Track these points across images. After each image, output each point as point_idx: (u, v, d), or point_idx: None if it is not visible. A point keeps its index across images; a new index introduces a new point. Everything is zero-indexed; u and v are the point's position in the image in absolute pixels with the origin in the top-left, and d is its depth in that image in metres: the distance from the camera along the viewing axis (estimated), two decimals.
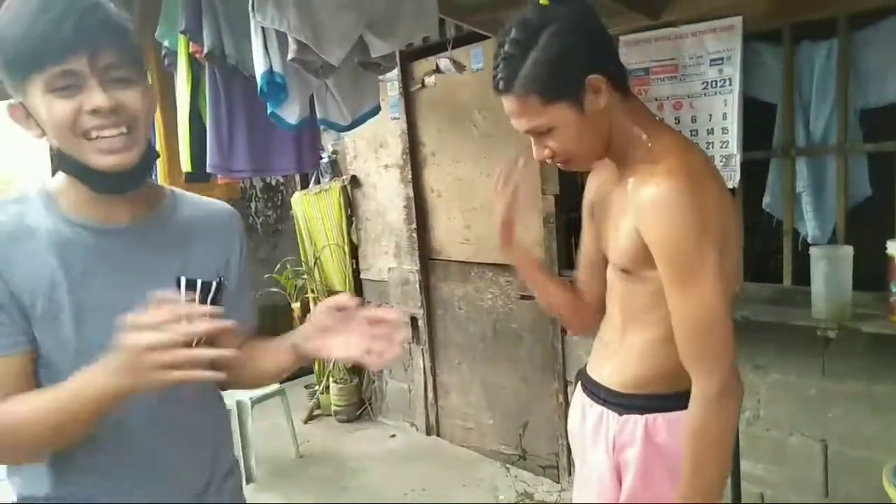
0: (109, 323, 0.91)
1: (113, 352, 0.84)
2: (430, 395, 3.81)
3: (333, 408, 4.19)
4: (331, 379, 4.21)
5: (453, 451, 3.64)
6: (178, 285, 1.02)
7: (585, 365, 1.46)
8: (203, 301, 1.05)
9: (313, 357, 1.08)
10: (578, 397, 1.46)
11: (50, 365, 0.96)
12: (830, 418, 2.20)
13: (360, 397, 4.24)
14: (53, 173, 1.01)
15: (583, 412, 1.42)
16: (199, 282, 1.05)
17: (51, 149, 0.97)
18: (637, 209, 1.16)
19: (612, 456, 1.33)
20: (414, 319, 3.78)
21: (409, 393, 3.95)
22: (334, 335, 1.04)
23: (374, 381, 4.20)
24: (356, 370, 4.24)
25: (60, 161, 0.95)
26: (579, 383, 1.47)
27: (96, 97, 0.89)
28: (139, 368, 0.82)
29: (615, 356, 1.34)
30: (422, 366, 3.81)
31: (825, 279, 2.00)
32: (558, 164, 1.25)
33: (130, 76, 0.93)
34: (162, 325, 0.81)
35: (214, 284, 1.08)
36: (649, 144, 1.20)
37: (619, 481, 1.34)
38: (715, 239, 1.11)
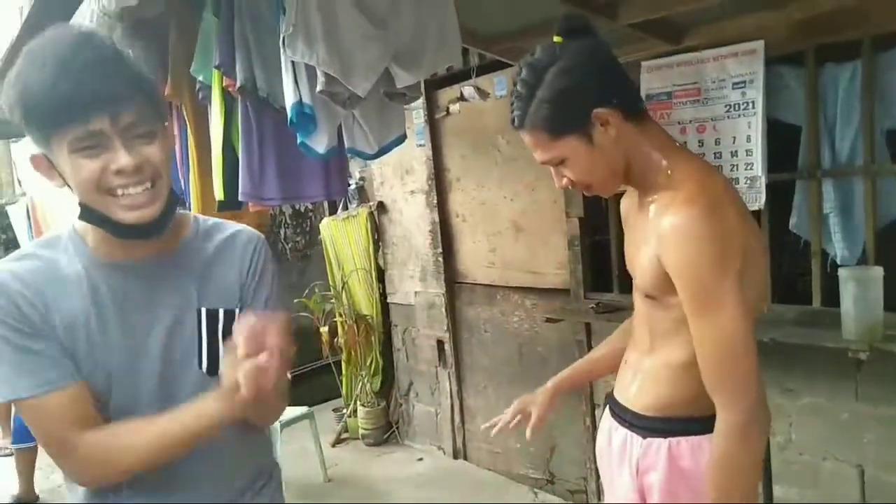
0: (138, 350, 1.01)
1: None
2: (457, 418, 3.81)
3: (361, 431, 4.21)
4: (358, 402, 4.23)
5: (480, 475, 3.63)
6: (199, 316, 1.06)
7: (613, 388, 1.47)
8: (225, 328, 1.06)
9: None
10: (606, 420, 1.47)
11: (96, 393, 1.00)
12: (866, 443, 2.15)
13: (388, 420, 4.26)
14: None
15: (609, 435, 1.43)
16: (220, 312, 1.07)
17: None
18: (658, 237, 1.17)
19: (636, 479, 1.33)
20: (440, 343, 3.80)
21: (435, 416, 3.95)
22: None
23: (401, 405, 4.22)
24: (383, 394, 4.27)
25: (85, 212, 0.98)
26: (608, 406, 1.48)
27: (121, 158, 0.90)
28: (240, 399, 0.90)
29: (640, 379, 1.35)
30: (448, 389, 3.82)
31: (855, 300, 1.97)
32: (582, 192, 1.30)
33: (153, 129, 0.95)
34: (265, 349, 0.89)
35: (237, 311, 1.09)
36: (669, 171, 1.22)
37: None
38: (735, 266, 1.11)
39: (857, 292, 1.97)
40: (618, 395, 1.42)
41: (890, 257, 2.09)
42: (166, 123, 1.02)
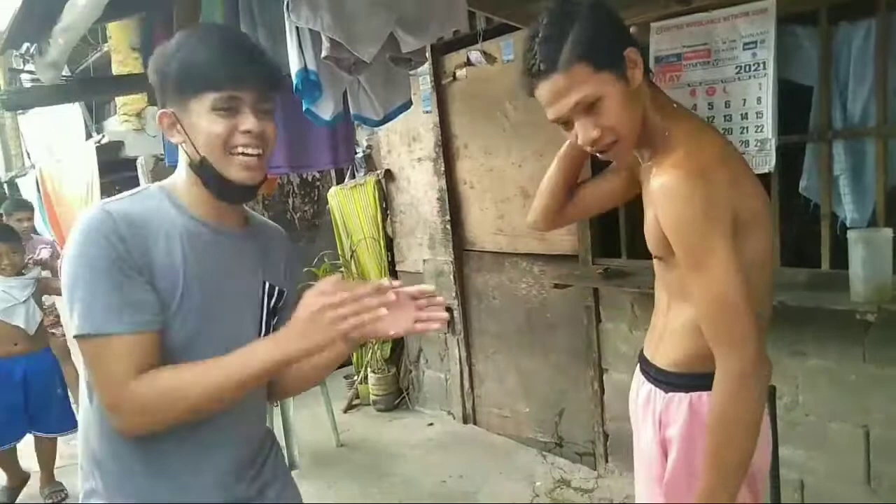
0: (222, 311, 1.11)
1: (292, 323, 1.00)
2: (467, 384, 3.86)
3: (372, 397, 4.27)
4: (369, 369, 4.29)
5: (490, 440, 3.69)
6: (263, 288, 1.19)
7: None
8: (276, 304, 1.21)
9: (361, 342, 1.20)
10: (636, 376, 1.52)
11: (172, 347, 1.06)
12: (872, 404, 2.17)
13: (398, 387, 4.32)
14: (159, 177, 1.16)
15: (637, 390, 1.49)
16: (276, 288, 1.21)
17: (188, 158, 1.10)
18: (654, 199, 1.21)
19: (658, 432, 1.38)
20: (449, 310, 3.83)
21: (445, 382, 4.01)
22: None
23: (411, 371, 4.27)
24: (394, 360, 4.32)
25: (202, 169, 1.09)
26: (638, 363, 1.53)
27: (249, 121, 1.06)
28: (329, 322, 0.97)
29: (662, 337, 1.39)
30: (458, 355, 3.86)
31: (864, 262, 1.97)
32: (599, 152, 1.25)
33: (271, 109, 1.11)
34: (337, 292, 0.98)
35: (284, 293, 1.23)
36: (666, 133, 1.24)
37: (666, 457, 1.38)
38: (722, 225, 1.14)
39: (866, 254, 1.96)
40: (645, 351, 1.47)
41: None
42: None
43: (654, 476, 1.41)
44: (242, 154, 1.07)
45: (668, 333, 1.36)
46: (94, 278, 0.99)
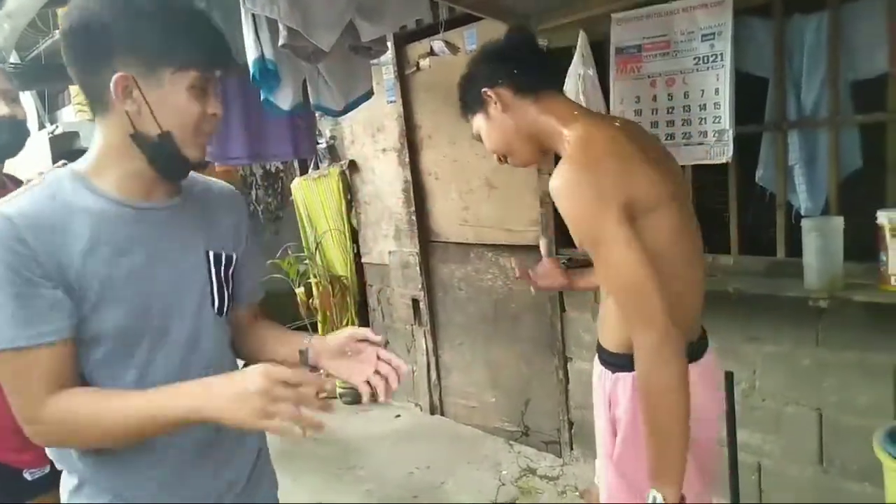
0: (162, 293, 1.05)
1: (231, 384, 0.93)
2: (434, 375, 3.86)
3: (339, 390, 4.25)
4: None
5: (457, 430, 3.70)
6: (207, 259, 1.13)
7: None
8: (225, 274, 1.16)
9: (317, 369, 1.19)
10: (595, 359, 1.58)
11: (97, 340, 1.00)
12: (825, 387, 2.23)
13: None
14: (96, 154, 1.06)
15: (594, 372, 1.57)
16: (223, 255, 1.15)
17: (133, 130, 1.02)
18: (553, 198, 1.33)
19: (608, 411, 1.45)
20: (415, 301, 3.82)
21: (412, 373, 4.00)
22: (346, 358, 1.17)
23: None
24: None
25: (158, 144, 1.02)
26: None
27: (216, 105, 1.05)
28: (260, 410, 0.90)
29: (605, 320, 1.48)
30: (424, 347, 3.86)
31: (816, 250, 2.02)
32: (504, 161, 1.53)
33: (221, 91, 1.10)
34: (297, 384, 0.92)
35: (235, 258, 1.19)
36: (567, 139, 1.35)
37: (615, 435, 1.44)
38: (613, 212, 1.22)
39: (819, 242, 2.01)
40: (598, 336, 1.54)
41: (851, 208, 2.14)
42: None
43: (606, 453, 1.48)
44: (205, 135, 1.06)
45: (610, 316, 1.45)
46: (12, 289, 0.92)
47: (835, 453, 2.24)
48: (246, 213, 1.28)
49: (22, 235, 0.93)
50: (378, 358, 1.15)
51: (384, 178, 3.85)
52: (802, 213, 2.27)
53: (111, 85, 0.97)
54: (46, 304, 0.94)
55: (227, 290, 1.16)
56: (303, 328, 4.32)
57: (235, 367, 1.20)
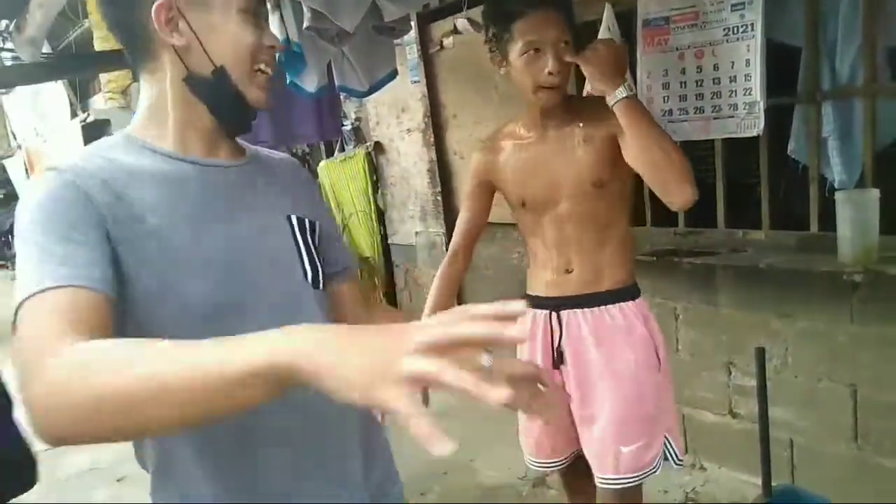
0: (231, 263, 0.87)
1: (351, 331, 0.58)
2: None
3: None
4: None
5: (487, 408, 3.69)
6: (290, 223, 0.97)
7: None
8: (312, 238, 0.99)
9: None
10: (572, 316, 1.72)
11: (170, 317, 0.83)
12: (859, 363, 2.20)
13: None
14: (173, 103, 0.90)
15: (581, 324, 1.73)
16: (306, 221, 0.99)
17: (185, 70, 0.88)
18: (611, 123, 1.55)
19: (647, 334, 1.68)
20: None
21: None
22: None
23: None
24: None
25: (214, 83, 0.88)
26: None
27: (272, 36, 0.93)
28: (383, 373, 0.53)
29: (599, 263, 1.68)
30: None
31: (851, 223, 1.98)
32: (554, 86, 1.51)
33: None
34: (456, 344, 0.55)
35: (318, 225, 1.02)
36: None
37: (657, 351, 1.69)
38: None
39: (853, 215, 1.97)
40: (576, 290, 1.69)
41: (888, 180, 2.08)
42: None
43: (643, 373, 1.61)
44: (263, 72, 0.91)
45: (608, 256, 1.61)
46: (43, 242, 0.75)
47: (869, 430, 2.21)
48: (316, 183, 1.14)
49: (81, 187, 0.80)
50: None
51: (409, 159, 3.86)
52: (836, 185, 2.22)
53: (152, 15, 0.84)
54: (100, 256, 0.77)
55: (319, 258, 0.99)
56: None
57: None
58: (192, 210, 0.87)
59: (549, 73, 1.47)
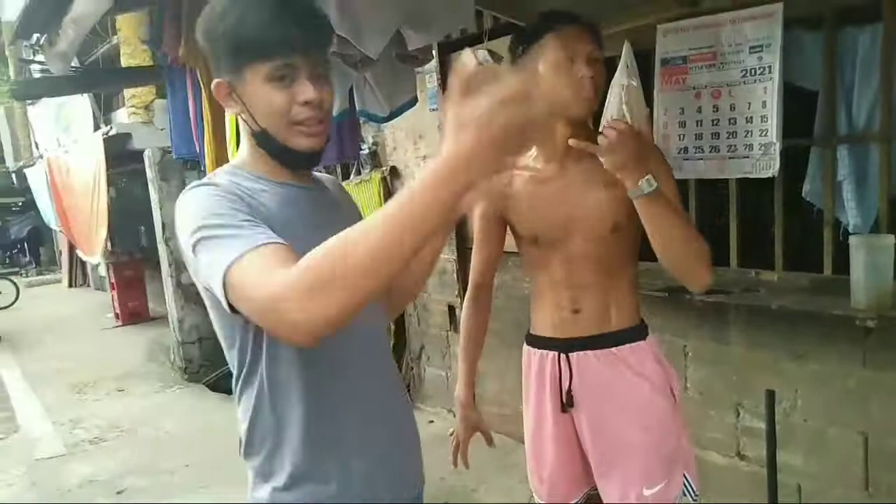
0: None
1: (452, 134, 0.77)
2: None
3: None
4: None
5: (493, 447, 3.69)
6: None
7: None
8: None
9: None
10: (581, 359, 1.66)
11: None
12: (871, 410, 2.17)
13: None
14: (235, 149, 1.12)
15: (595, 366, 1.66)
16: None
17: (249, 129, 1.07)
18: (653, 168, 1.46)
19: (661, 375, 1.64)
20: (451, 308, 3.84)
21: (446, 380, 4.02)
22: None
23: (412, 368, 4.28)
24: (395, 357, 4.33)
25: (262, 140, 1.06)
26: None
27: (308, 91, 1.01)
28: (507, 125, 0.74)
29: (607, 305, 1.62)
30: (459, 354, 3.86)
31: (865, 268, 1.97)
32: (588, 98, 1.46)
33: (328, 74, 1.07)
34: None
35: None
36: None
37: (674, 392, 1.64)
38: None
39: (868, 260, 1.96)
40: (584, 332, 1.62)
41: None
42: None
43: (657, 416, 1.56)
44: (304, 124, 1.03)
45: (617, 296, 1.56)
46: (221, 222, 0.93)
47: (881, 479, 2.17)
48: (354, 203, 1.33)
49: (234, 192, 0.99)
50: None
51: None
52: (850, 229, 2.22)
53: (212, 90, 1.05)
54: (264, 227, 0.95)
55: None
56: None
57: (396, 371, 1.28)
58: (296, 219, 1.05)
59: (581, 78, 1.41)
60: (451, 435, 1.83)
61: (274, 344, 1.03)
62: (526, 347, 1.71)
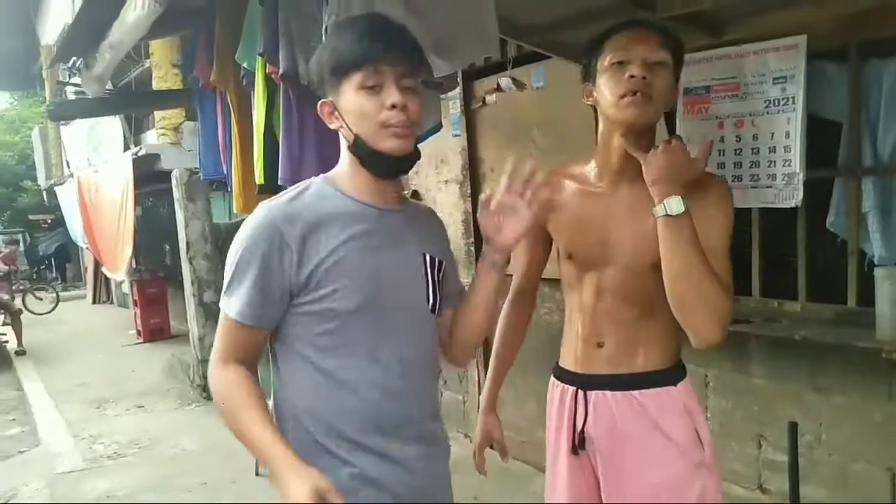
0: (391, 281, 1.20)
1: (286, 478, 1.05)
2: None
3: None
4: None
5: (507, 464, 3.65)
6: (425, 260, 1.27)
7: None
8: (438, 276, 1.29)
9: (509, 251, 1.31)
10: (601, 400, 1.57)
11: (335, 315, 1.17)
12: None
13: None
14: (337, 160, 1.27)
15: (614, 407, 1.55)
16: (436, 259, 1.29)
17: (346, 142, 1.21)
18: (707, 204, 1.36)
19: (687, 423, 1.48)
20: None
21: (463, 404, 4.00)
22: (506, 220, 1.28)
23: None
24: None
25: (357, 147, 1.18)
26: None
27: (394, 95, 1.14)
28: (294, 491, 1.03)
29: (636, 343, 1.49)
30: (476, 378, 3.86)
31: (890, 300, 1.95)
32: (637, 90, 1.31)
33: (414, 86, 1.19)
34: None
35: (444, 264, 1.32)
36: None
37: (702, 441, 1.47)
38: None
39: (894, 291, 1.94)
40: (606, 369, 1.51)
41: None
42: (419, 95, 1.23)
43: (687, 465, 1.41)
44: (391, 126, 1.15)
45: (647, 333, 1.42)
46: (248, 268, 1.15)
47: None
48: (446, 231, 1.43)
49: (277, 223, 1.15)
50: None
51: (445, 209, 3.92)
52: (876, 261, 2.20)
53: (318, 110, 1.21)
54: (267, 295, 1.16)
55: (439, 290, 1.29)
56: None
57: (438, 367, 1.37)
58: (365, 241, 1.19)
59: (631, 77, 1.29)
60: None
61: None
62: (552, 378, 1.63)
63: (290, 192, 1.22)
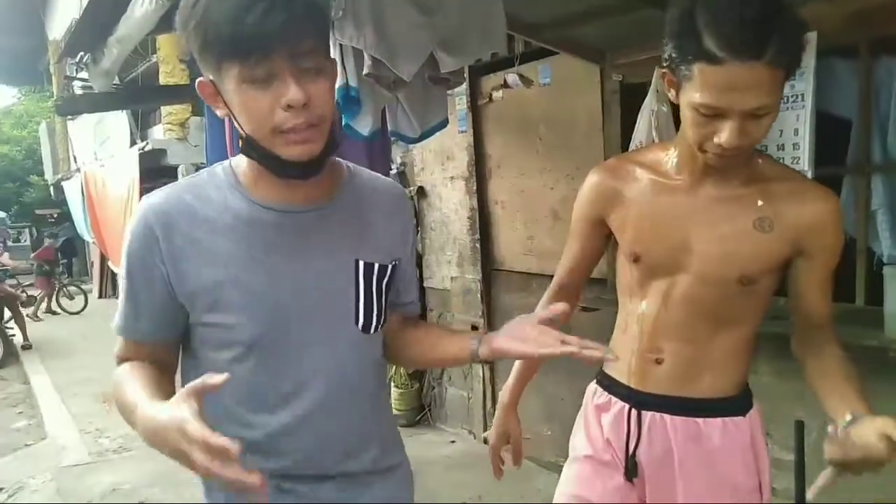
0: (287, 305, 0.97)
1: (170, 416, 0.78)
2: (489, 403, 3.85)
3: (394, 412, 4.29)
4: (392, 384, 4.31)
5: (510, 461, 3.66)
6: (357, 269, 1.02)
7: None
8: (378, 283, 1.04)
9: (495, 359, 1.05)
10: (660, 422, 1.38)
11: (229, 344, 0.98)
12: None
13: (421, 403, 4.33)
14: (235, 154, 1.03)
15: (673, 436, 1.37)
16: (375, 265, 1.03)
17: (237, 133, 0.96)
18: (810, 222, 1.21)
19: (752, 461, 1.37)
20: (475, 328, 3.84)
21: (467, 401, 4.00)
22: (524, 339, 1.00)
23: (434, 388, 4.28)
24: (417, 376, 4.34)
25: (248, 146, 0.93)
26: None
27: (291, 90, 0.85)
28: (174, 449, 0.78)
29: (702, 366, 1.34)
30: (481, 374, 3.86)
31: None
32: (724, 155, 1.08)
33: (321, 65, 0.89)
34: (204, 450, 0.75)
35: (390, 268, 1.06)
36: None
37: (759, 475, 1.37)
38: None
39: None
40: (668, 391, 1.34)
41: None
42: (332, 61, 0.95)
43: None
44: (290, 132, 0.88)
45: (715, 355, 1.25)
46: (125, 279, 1.00)
47: None
48: (411, 216, 1.16)
49: (154, 230, 0.95)
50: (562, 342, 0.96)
51: (451, 206, 3.92)
52: (885, 259, 2.18)
53: (196, 89, 0.93)
54: (149, 307, 0.99)
55: (380, 303, 1.04)
56: None
57: (383, 390, 1.17)
58: (259, 253, 0.97)
59: (719, 145, 1.05)
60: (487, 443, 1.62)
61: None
62: (594, 386, 1.42)
63: (182, 182, 1.02)
